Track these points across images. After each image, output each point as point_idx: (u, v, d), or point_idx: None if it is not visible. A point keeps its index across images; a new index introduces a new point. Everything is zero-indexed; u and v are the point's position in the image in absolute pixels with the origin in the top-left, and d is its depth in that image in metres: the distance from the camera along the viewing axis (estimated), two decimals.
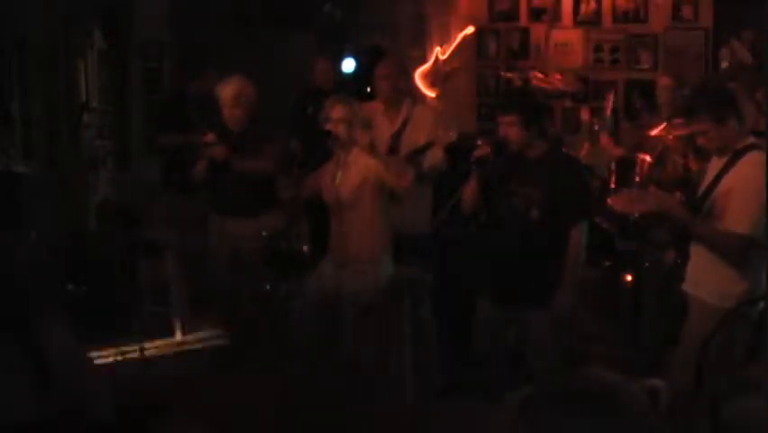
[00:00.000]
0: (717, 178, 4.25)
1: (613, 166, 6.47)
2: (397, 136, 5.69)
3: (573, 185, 4.52)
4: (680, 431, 4.38)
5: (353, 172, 4.93)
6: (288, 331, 5.99)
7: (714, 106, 4.17)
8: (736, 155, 4.19)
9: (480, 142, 6.46)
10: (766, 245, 4.16)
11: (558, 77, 7.28)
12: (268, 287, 5.77)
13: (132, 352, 5.85)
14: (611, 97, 6.76)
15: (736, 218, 4.08)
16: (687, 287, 4.35)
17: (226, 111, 5.59)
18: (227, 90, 5.58)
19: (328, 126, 4.96)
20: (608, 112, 6.72)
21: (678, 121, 5.71)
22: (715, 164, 4.36)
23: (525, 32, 8.02)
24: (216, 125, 5.69)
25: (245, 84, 5.65)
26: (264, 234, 5.61)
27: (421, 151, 5.61)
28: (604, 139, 6.35)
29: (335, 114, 4.96)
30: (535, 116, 4.53)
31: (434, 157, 5.67)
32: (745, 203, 4.08)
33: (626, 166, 6.45)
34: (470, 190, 4.72)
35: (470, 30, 8.11)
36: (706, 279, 4.25)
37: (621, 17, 7.54)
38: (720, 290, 4.20)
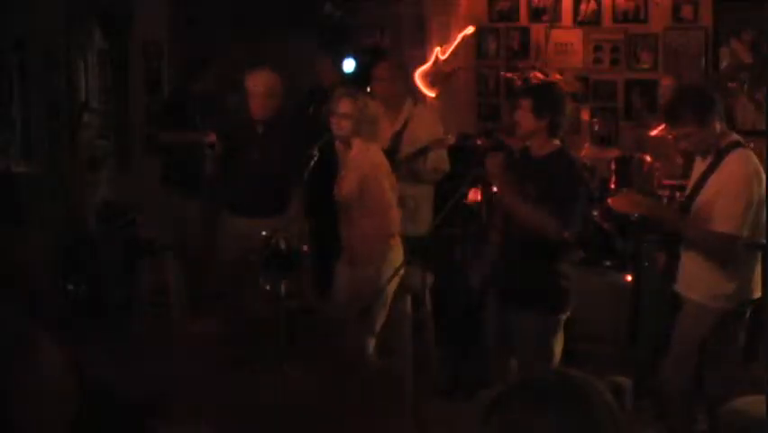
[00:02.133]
0: (704, 178, 4.25)
1: (613, 166, 6.49)
2: (398, 136, 5.69)
3: (564, 195, 4.43)
4: (679, 431, 4.40)
5: (353, 169, 4.92)
6: (288, 330, 5.98)
7: (696, 110, 4.17)
8: (720, 154, 4.19)
9: (479, 142, 6.49)
10: (759, 244, 4.17)
11: (558, 77, 7.27)
12: (267, 287, 5.76)
13: None
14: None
15: (724, 218, 4.08)
16: (679, 288, 4.35)
17: (257, 100, 5.56)
18: (258, 79, 5.56)
19: (333, 119, 4.95)
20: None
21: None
22: (699, 164, 4.36)
23: (526, 32, 8.02)
24: (220, 125, 5.70)
25: (275, 76, 5.64)
26: (264, 233, 5.61)
27: (420, 153, 5.61)
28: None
29: (341, 108, 4.94)
30: (549, 108, 4.42)
31: (437, 159, 5.66)
32: (733, 202, 4.08)
33: (626, 166, 6.46)
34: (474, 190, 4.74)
35: (470, 30, 8.11)
36: (696, 280, 4.26)
37: (621, 17, 7.54)
38: (710, 291, 4.21)
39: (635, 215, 5.89)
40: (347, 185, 4.93)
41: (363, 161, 4.92)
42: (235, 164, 5.66)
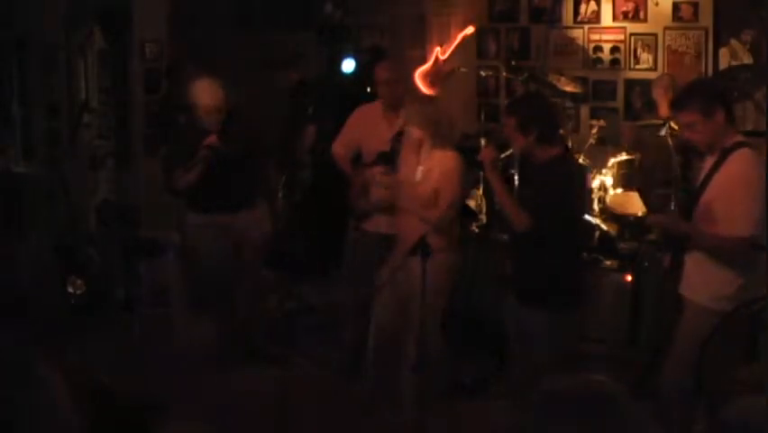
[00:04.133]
0: (708, 177, 4.23)
1: (613, 166, 6.49)
2: (397, 138, 5.68)
3: (550, 197, 4.45)
4: (679, 431, 4.40)
5: (435, 172, 4.90)
6: (288, 330, 5.99)
7: (701, 99, 4.15)
8: (725, 153, 4.17)
9: (483, 142, 6.49)
10: (762, 246, 4.16)
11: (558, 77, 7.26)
12: (267, 287, 5.77)
13: None
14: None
15: (735, 221, 4.06)
16: (683, 290, 4.34)
17: (209, 115, 5.56)
18: (204, 93, 5.56)
19: (405, 126, 4.99)
20: None
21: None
22: (707, 163, 4.35)
23: (526, 32, 8.02)
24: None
25: (219, 87, 5.61)
26: (264, 234, 5.61)
27: None
28: None
29: (410, 115, 4.98)
30: (535, 122, 4.45)
31: None
32: (742, 204, 4.05)
33: (625, 166, 6.46)
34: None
35: (470, 30, 8.10)
36: (699, 281, 4.24)
37: (621, 17, 7.54)
38: (713, 293, 4.19)
39: (639, 214, 5.93)
40: (428, 184, 4.92)
41: (447, 159, 4.91)
42: (212, 165, 5.63)
